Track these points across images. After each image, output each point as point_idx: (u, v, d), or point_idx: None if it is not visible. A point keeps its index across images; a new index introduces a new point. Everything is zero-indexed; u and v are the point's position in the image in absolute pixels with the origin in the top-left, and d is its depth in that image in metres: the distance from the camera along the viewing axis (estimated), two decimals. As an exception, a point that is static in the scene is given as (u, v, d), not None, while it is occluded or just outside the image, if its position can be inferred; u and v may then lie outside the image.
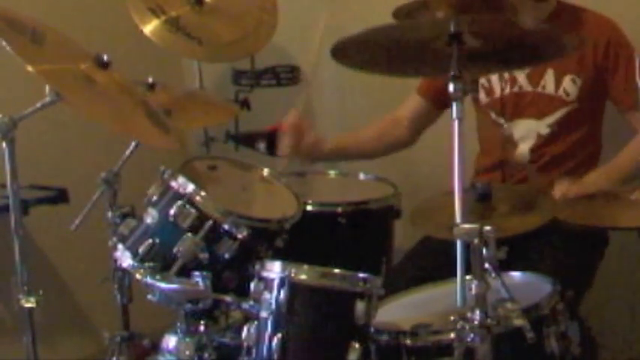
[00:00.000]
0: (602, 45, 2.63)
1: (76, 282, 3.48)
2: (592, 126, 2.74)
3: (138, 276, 2.24)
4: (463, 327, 1.92)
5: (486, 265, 1.92)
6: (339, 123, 3.52)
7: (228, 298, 2.20)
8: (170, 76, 3.37)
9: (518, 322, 1.95)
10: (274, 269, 2.09)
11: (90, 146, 3.38)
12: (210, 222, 2.22)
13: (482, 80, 2.76)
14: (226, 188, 2.44)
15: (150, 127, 2.33)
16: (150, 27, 2.89)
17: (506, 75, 2.71)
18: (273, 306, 2.07)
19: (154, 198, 2.29)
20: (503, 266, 2.00)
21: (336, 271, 2.08)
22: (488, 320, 1.91)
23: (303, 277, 2.07)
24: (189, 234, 2.22)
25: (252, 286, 2.12)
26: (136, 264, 2.25)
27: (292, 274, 2.07)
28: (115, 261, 2.36)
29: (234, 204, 2.29)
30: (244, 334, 2.10)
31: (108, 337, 2.63)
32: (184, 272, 2.21)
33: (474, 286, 1.91)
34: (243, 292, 2.16)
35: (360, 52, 2.12)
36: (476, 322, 1.91)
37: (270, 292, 2.08)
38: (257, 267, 2.13)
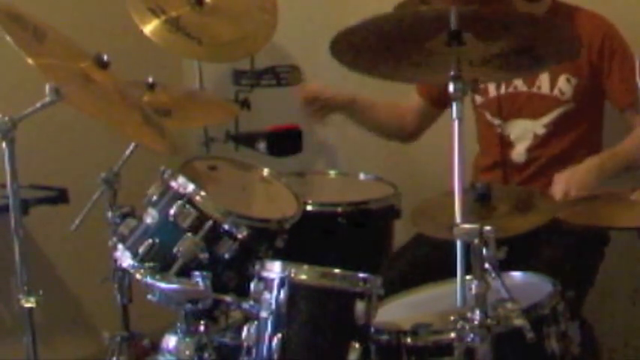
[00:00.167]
0: (597, 44, 2.63)
1: (76, 282, 3.48)
2: (590, 126, 2.73)
3: (138, 276, 2.25)
4: (463, 327, 1.92)
5: (486, 265, 1.92)
6: (339, 123, 3.52)
7: (228, 298, 2.20)
8: (170, 76, 3.37)
9: (518, 322, 1.95)
10: (274, 269, 2.09)
11: (90, 146, 3.38)
12: (210, 222, 2.22)
13: None
14: (226, 188, 2.44)
15: (144, 129, 2.33)
16: (150, 27, 2.89)
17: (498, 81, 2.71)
18: (273, 306, 2.07)
19: (154, 198, 2.29)
20: (503, 266, 2.00)
21: (336, 271, 2.08)
22: (488, 320, 1.91)
23: (303, 277, 2.07)
24: (189, 234, 2.22)
25: (252, 286, 2.12)
26: (136, 264, 2.26)
27: (292, 274, 2.07)
28: (115, 261, 2.37)
29: (234, 204, 2.29)
30: (244, 334, 2.10)
31: (108, 337, 2.63)
32: (184, 272, 2.21)
33: (474, 286, 1.91)
34: (243, 292, 2.16)
35: (359, 51, 2.11)
36: (476, 322, 1.91)
37: (270, 292, 2.08)
38: (257, 267, 2.13)
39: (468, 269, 1.98)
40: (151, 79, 2.82)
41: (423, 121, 2.93)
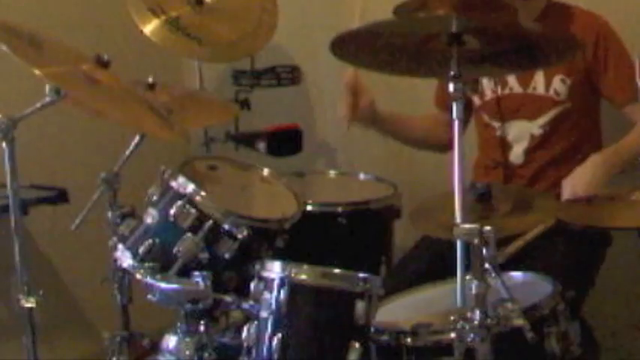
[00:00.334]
0: (591, 43, 2.62)
1: (76, 282, 3.48)
2: (589, 126, 2.73)
3: (138, 276, 2.25)
4: (463, 327, 1.92)
5: (486, 265, 1.92)
6: (339, 123, 3.52)
7: (228, 298, 2.20)
8: (170, 76, 3.37)
9: (518, 322, 1.95)
10: (274, 269, 2.09)
11: (90, 146, 3.38)
12: (210, 222, 2.22)
13: None
14: (226, 188, 2.44)
15: (156, 121, 2.33)
16: (150, 27, 2.89)
17: (496, 77, 2.71)
18: (273, 306, 2.07)
19: (154, 198, 2.29)
20: (504, 266, 2.00)
21: (336, 271, 2.08)
22: (488, 320, 1.91)
23: (303, 277, 2.07)
24: (189, 234, 2.22)
25: (252, 286, 2.12)
26: (136, 264, 2.26)
27: (292, 274, 2.07)
28: (115, 261, 2.37)
29: (234, 204, 2.29)
30: (244, 334, 2.10)
31: (108, 337, 2.63)
32: (184, 272, 2.21)
33: (474, 286, 1.92)
34: (243, 292, 2.16)
35: (360, 49, 2.11)
36: (476, 322, 1.91)
37: (270, 292, 2.08)
38: (257, 267, 2.13)
39: (468, 269, 1.98)
40: (151, 79, 2.82)
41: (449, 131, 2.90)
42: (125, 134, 2.50)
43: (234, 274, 2.24)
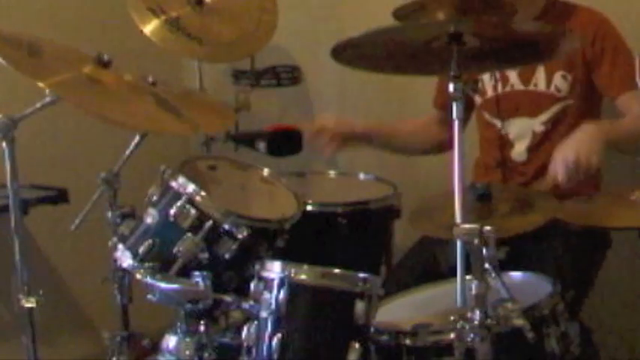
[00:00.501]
0: (590, 39, 2.62)
1: (76, 282, 3.48)
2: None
3: (138, 276, 2.25)
4: (463, 327, 1.92)
5: (486, 265, 1.92)
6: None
7: (228, 298, 2.20)
8: (170, 76, 3.36)
9: (518, 322, 1.95)
10: (274, 269, 2.09)
11: (90, 146, 3.38)
12: (210, 222, 2.22)
13: None
14: (226, 188, 2.44)
15: (162, 116, 2.32)
16: (150, 27, 2.89)
17: (497, 75, 2.71)
18: (273, 306, 2.07)
19: (154, 198, 2.29)
20: (504, 266, 2.00)
21: (336, 271, 2.08)
22: (488, 320, 1.91)
23: (303, 277, 2.07)
24: (189, 234, 2.22)
25: (252, 286, 2.12)
26: (136, 264, 2.26)
27: (292, 274, 2.07)
28: (115, 261, 2.37)
29: (234, 204, 2.29)
30: (244, 334, 2.10)
31: (108, 337, 2.63)
32: (184, 272, 2.21)
33: (474, 286, 1.92)
34: (243, 292, 2.16)
35: (361, 52, 2.12)
36: (476, 322, 1.91)
37: (270, 292, 2.08)
38: (257, 267, 2.13)
39: (468, 269, 1.98)
40: (151, 79, 2.81)
41: (448, 130, 2.90)
42: (125, 134, 2.50)
43: (234, 274, 2.24)
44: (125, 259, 2.28)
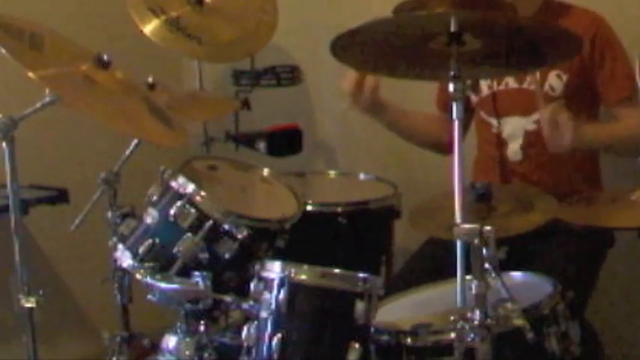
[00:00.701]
0: (588, 40, 2.61)
1: (76, 282, 3.48)
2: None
3: (138, 276, 2.25)
4: (463, 327, 1.92)
5: (486, 265, 1.92)
6: (339, 123, 3.52)
7: (228, 298, 2.20)
8: (170, 76, 3.37)
9: (518, 322, 1.95)
10: (274, 269, 2.09)
11: (90, 146, 3.38)
12: (210, 222, 2.22)
13: None
14: (226, 188, 2.44)
15: (154, 125, 2.33)
16: (150, 27, 2.89)
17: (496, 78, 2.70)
18: (273, 306, 2.07)
19: (154, 198, 2.29)
20: (504, 267, 2.00)
21: (336, 271, 2.08)
22: (488, 320, 1.91)
23: (303, 277, 2.07)
24: (189, 234, 2.22)
25: (252, 286, 2.12)
26: (136, 264, 2.26)
27: (292, 274, 2.07)
28: (115, 261, 2.37)
29: (234, 204, 2.29)
30: (244, 334, 2.10)
31: (108, 337, 2.63)
32: (184, 272, 2.21)
33: (474, 286, 1.91)
34: (243, 292, 2.16)
35: (360, 50, 2.11)
36: (476, 322, 1.91)
37: (270, 292, 2.08)
38: (257, 267, 2.13)
39: (468, 269, 1.98)
40: (151, 79, 2.82)
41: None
42: (125, 134, 2.50)
43: (234, 274, 2.24)
44: (125, 259, 2.28)
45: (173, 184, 2.27)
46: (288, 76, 3.46)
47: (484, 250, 1.91)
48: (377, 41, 2.09)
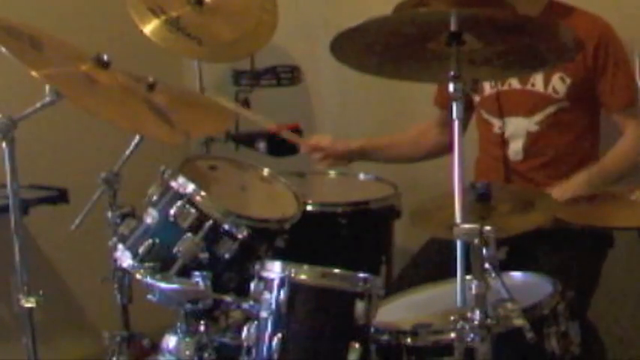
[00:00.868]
0: (592, 45, 2.61)
1: (76, 282, 3.48)
2: (586, 127, 2.71)
3: (138, 276, 2.25)
4: (463, 327, 1.92)
5: (486, 265, 1.92)
6: (339, 123, 3.52)
7: (228, 298, 2.20)
8: (170, 76, 3.37)
9: (518, 322, 1.95)
10: (274, 269, 2.09)
11: (90, 146, 3.38)
12: (210, 222, 2.22)
13: None
14: (226, 188, 2.44)
15: (156, 123, 2.33)
16: (150, 27, 2.89)
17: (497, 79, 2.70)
18: (273, 306, 2.07)
19: (154, 198, 2.29)
20: (503, 266, 2.00)
21: (336, 271, 2.08)
22: (488, 320, 1.91)
23: (303, 277, 2.07)
24: (189, 234, 2.22)
25: (252, 286, 2.12)
26: (136, 264, 2.26)
27: (292, 274, 2.07)
28: (115, 261, 2.37)
29: (234, 204, 2.29)
30: (244, 334, 2.10)
31: (108, 337, 2.63)
32: (184, 272, 2.21)
33: (474, 286, 1.91)
34: (243, 292, 2.16)
35: (360, 50, 2.11)
36: (476, 322, 1.91)
37: (270, 292, 2.08)
38: (257, 267, 2.13)
39: (468, 269, 1.98)
40: (151, 79, 2.82)
41: (448, 131, 2.90)
42: (125, 134, 2.50)
43: (234, 274, 2.24)
44: (125, 259, 2.28)
45: (173, 184, 2.26)
46: (288, 76, 3.46)
47: (484, 250, 1.91)
48: (377, 41, 2.09)
